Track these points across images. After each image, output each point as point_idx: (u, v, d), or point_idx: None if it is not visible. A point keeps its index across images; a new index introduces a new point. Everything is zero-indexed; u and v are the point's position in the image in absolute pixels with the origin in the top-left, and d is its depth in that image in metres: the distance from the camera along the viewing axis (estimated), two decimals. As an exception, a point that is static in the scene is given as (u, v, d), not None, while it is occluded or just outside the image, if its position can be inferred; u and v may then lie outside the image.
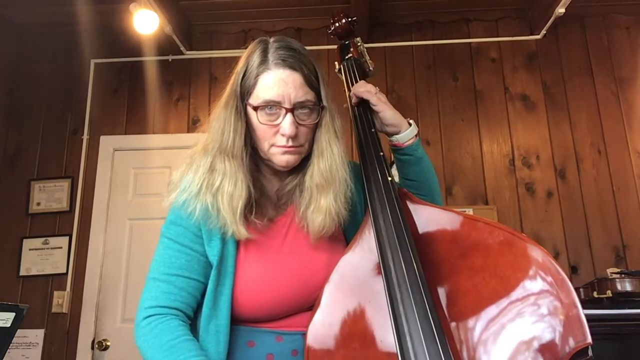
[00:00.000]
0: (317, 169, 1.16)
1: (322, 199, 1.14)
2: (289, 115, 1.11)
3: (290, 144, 1.12)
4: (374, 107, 1.27)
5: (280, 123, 1.12)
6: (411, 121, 1.29)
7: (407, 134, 1.27)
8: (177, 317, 1.09)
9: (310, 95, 1.14)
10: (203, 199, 1.11)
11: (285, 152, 1.13)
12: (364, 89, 1.29)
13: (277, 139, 1.13)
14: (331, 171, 1.16)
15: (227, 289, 1.10)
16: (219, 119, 1.16)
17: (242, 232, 1.10)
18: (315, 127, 1.18)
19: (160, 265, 1.13)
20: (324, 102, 1.18)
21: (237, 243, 1.14)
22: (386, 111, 1.26)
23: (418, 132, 1.30)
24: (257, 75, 1.13)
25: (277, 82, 1.11)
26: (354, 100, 1.32)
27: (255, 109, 1.12)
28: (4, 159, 3.79)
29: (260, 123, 1.12)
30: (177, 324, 1.08)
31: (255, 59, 1.15)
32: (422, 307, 0.91)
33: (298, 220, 1.18)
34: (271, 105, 1.11)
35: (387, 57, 3.84)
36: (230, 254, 1.12)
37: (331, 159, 1.17)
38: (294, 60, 1.13)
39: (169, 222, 1.16)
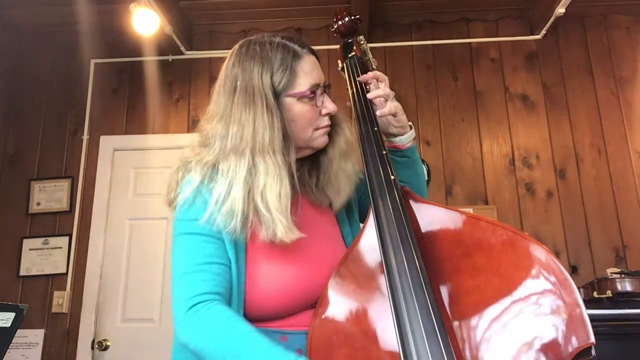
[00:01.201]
0: (343, 137, 1.24)
1: (349, 163, 1.22)
2: (326, 95, 1.20)
3: (329, 122, 1.20)
4: (396, 117, 1.27)
5: (323, 104, 1.19)
6: (410, 123, 1.32)
7: (409, 135, 1.30)
8: (222, 302, 1.04)
9: None
10: (250, 203, 1.07)
11: (325, 133, 1.21)
12: (387, 91, 1.28)
13: (320, 121, 1.19)
14: (351, 141, 1.24)
15: (243, 283, 1.10)
16: (245, 121, 1.12)
17: (295, 232, 1.07)
18: None
19: (189, 258, 1.08)
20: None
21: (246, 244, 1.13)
22: (402, 114, 1.28)
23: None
24: (295, 67, 1.16)
25: (313, 67, 1.18)
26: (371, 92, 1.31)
27: (302, 96, 1.16)
28: (4, 159, 3.79)
29: (307, 108, 1.17)
30: (224, 307, 1.03)
31: (279, 54, 1.16)
32: (424, 306, 0.91)
33: (313, 199, 1.23)
34: (315, 89, 1.17)
35: (387, 57, 3.84)
36: (241, 248, 1.11)
37: (350, 130, 1.25)
38: (309, 46, 1.22)
39: (183, 220, 1.12)
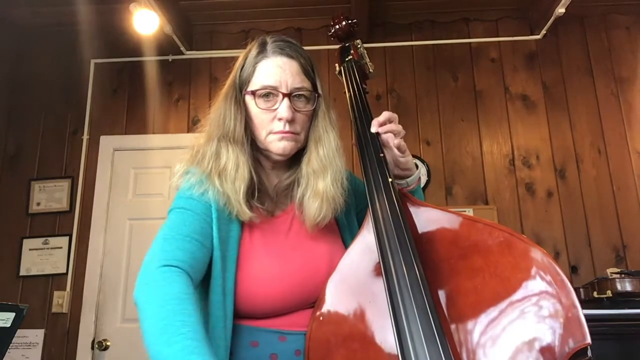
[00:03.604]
0: (316, 155, 1.19)
1: (320, 182, 1.17)
2: (285, 99, 1.15)
3: (287, 129, 1.15)
4: (400, 155, 1.21)
5: (278, 108, 1.15)
6: (416, 162, 1.28)
7: (414, 177, 1.26)
8: (190, 279, 1.02)
9: (306, 84, 1.19)
10: (213, 180, 1.13)
11: (282, 139, 1.16)
12: (394, 128, 1.21)
13: (274, 125, 1.16)
14: (328, 157, 1.19)
15: (231, 274, 1.10)
16: (219, 109, 1.20)
17: (246, 212, 1.12)
18: (312, 117, 1.22)
19: (175, 226, 1.09)
20: (320, 92, 1.22)
21: (241, 230, 1.14)
22: (409, 156, 1.23)
23: (428, 175, 1.30)
24: (256, 64, 1.19)
25: (274, 68, 1.17)
26: (376, 129, 1.23)
27: (253, 94, 1.17)
28: (4, 159, 3.80)
29: (259, 109, 1.16)
30: (190, 282, 1.00)
31: (253, 51, 1.21)
32: (422, 308, 0.91)
33: (298, 214, 1.20)
34: (268, 91, 1.16)
35: (387, 57, 3.85)
36: (233, 237, 1.13)
37: (328, 145, 1.20)
38: (291, 49, 1.19)
39: (179, 198, 1.15)
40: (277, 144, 1.16)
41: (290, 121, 1.15)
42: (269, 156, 1.21)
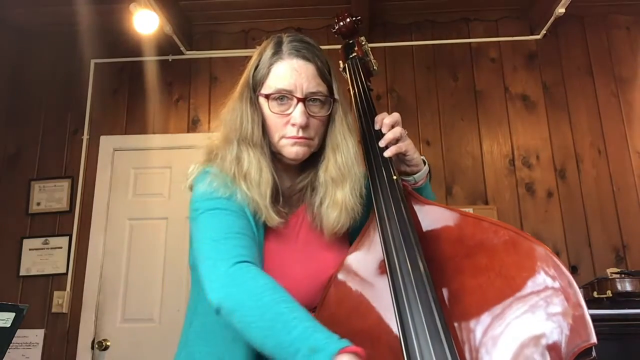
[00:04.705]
0: (334, 162, 1.16)
1: (339, 192, 1.15)
2: (300, 104, 1.12)
3: (300, 134, 1.12)
4: (407, 155, 1.20)
5: (292, 113, 1.12)
6: (423, 157, 1.26)
7: (421, 173, 1.25)
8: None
9: (322, 87, 1.16)
10: (240, 185, 1.10)
11: (295, 144, 1.13)
12: (395, 136, 1.18)
13: (287, 130, 1.13)
14: (347, 165, 1.16)
15: None
16: (235, 110, 1.17)
17: (274, 217, 1.10)
18: (327, 122, 1.19)
19: (221, 227, 1.05)
20: (336, 96, 1.18)
21: (264, 234, 1.12)
22: (415, 153, 1.22)
23: (429, 170, 1.26)
24: (270, 65, 1.15)
25: (289, 72, 1.13)
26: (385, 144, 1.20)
27: (267, 97, 1.14)
28: (4, 159, 3.79)
29: (272, 112, 1.14)
30: (264, 273, 0.99)
31: (269, 51, 1.17)
32: (427, 306, 0.91)
33: (311, 219, 1.18)
34: (283, 95, 1.13)
35: (387, 57, 3.84)
36: (260, 241, 1.11)
37: (347, 153, 1.17)
38: (307, 51, 1.15)
39: (206, 200, 1.10)
40: (289, 149, 1.14)
41: (304, 127, 1.12)
42: (282, 159, 1.18)
